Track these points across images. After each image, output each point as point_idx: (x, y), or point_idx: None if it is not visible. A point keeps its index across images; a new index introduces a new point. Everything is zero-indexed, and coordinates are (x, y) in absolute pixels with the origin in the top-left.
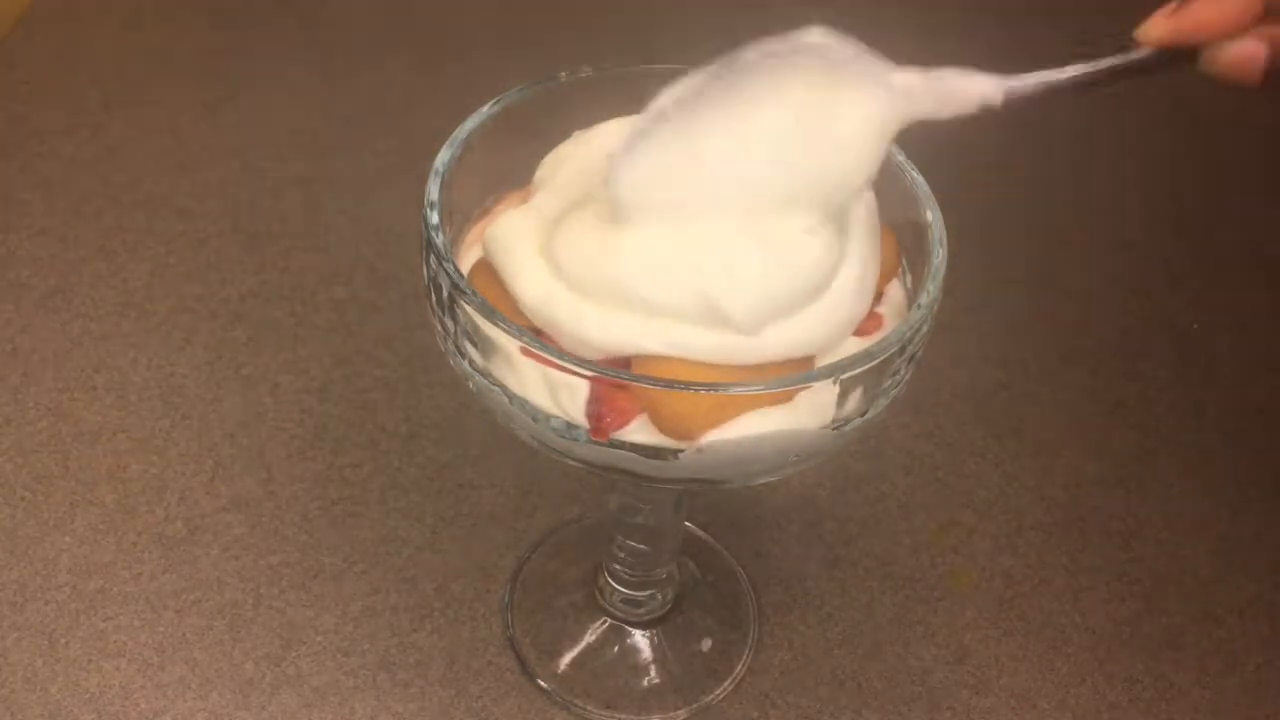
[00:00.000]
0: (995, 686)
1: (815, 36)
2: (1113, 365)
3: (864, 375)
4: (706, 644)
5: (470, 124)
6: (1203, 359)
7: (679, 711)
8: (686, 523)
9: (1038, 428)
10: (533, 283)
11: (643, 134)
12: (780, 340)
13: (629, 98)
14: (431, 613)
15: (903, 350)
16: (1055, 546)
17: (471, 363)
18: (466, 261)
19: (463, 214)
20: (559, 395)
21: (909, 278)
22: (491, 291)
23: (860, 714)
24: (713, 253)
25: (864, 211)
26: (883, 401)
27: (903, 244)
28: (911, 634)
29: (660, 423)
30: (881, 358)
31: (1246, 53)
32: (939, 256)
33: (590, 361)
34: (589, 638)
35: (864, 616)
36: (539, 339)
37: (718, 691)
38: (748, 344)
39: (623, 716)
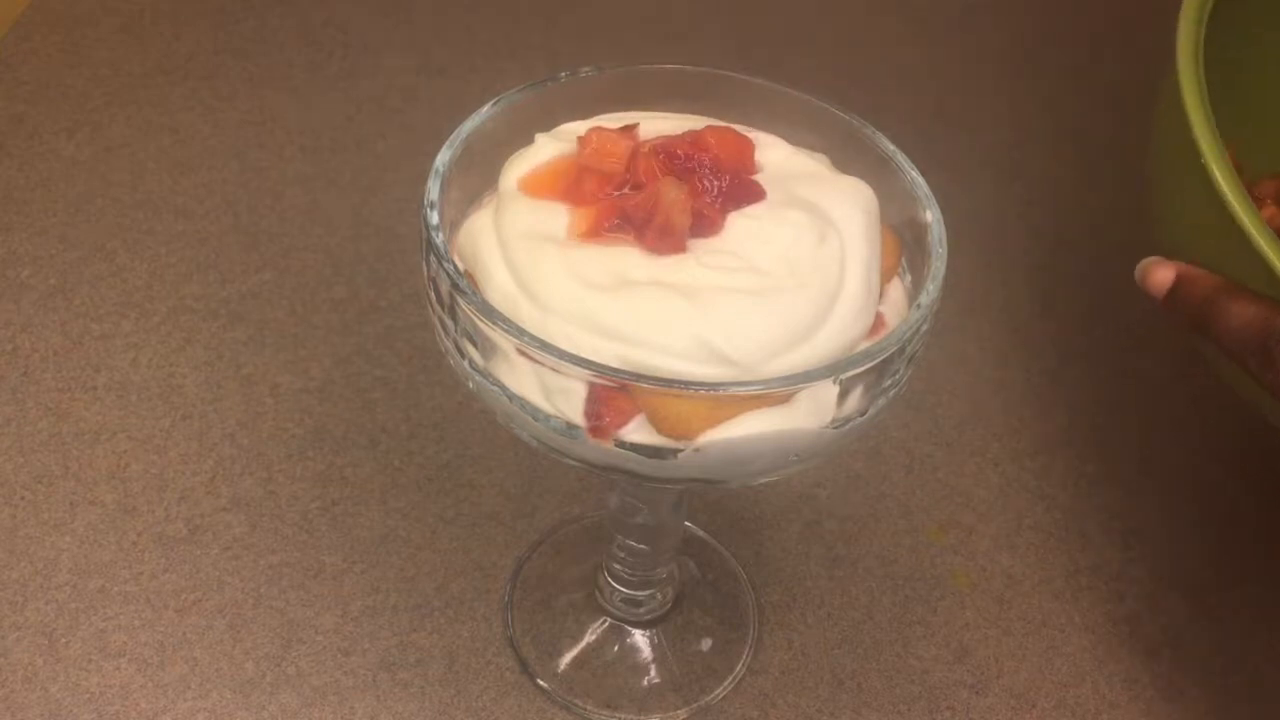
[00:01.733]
0: (994, 686)
1: None
2: (1112, 365)
3: (864, 375)
4: (706, 644)
5: (470, 124)
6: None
7: (679, 711)
8: (686, 523)
9: (1038, 428)
10: (500, 295)
11: None
12: (781, 368)
13: (628, 98)
14: (431, 612)
15: (903, 350)
16: (1055, 546)
17: (471, 362)
18: None
19: (462, 214)
20: (553, 396)
21: (909, 278)
22: None
23: (860, 714)
24: (709, 300)
25: (862, 221)
26: (882, 401)
27: (903, 244)
28: (911, 634)
29: (659, 423)
30: (881, 358)
31: (1158, 278)
32: (939, 256)
33: (588, 361)
34: (589, 637)
35: (864, 616)
36: (538, 340)
37: (718, 691)
38: (748, 375)
39: (623, 716)
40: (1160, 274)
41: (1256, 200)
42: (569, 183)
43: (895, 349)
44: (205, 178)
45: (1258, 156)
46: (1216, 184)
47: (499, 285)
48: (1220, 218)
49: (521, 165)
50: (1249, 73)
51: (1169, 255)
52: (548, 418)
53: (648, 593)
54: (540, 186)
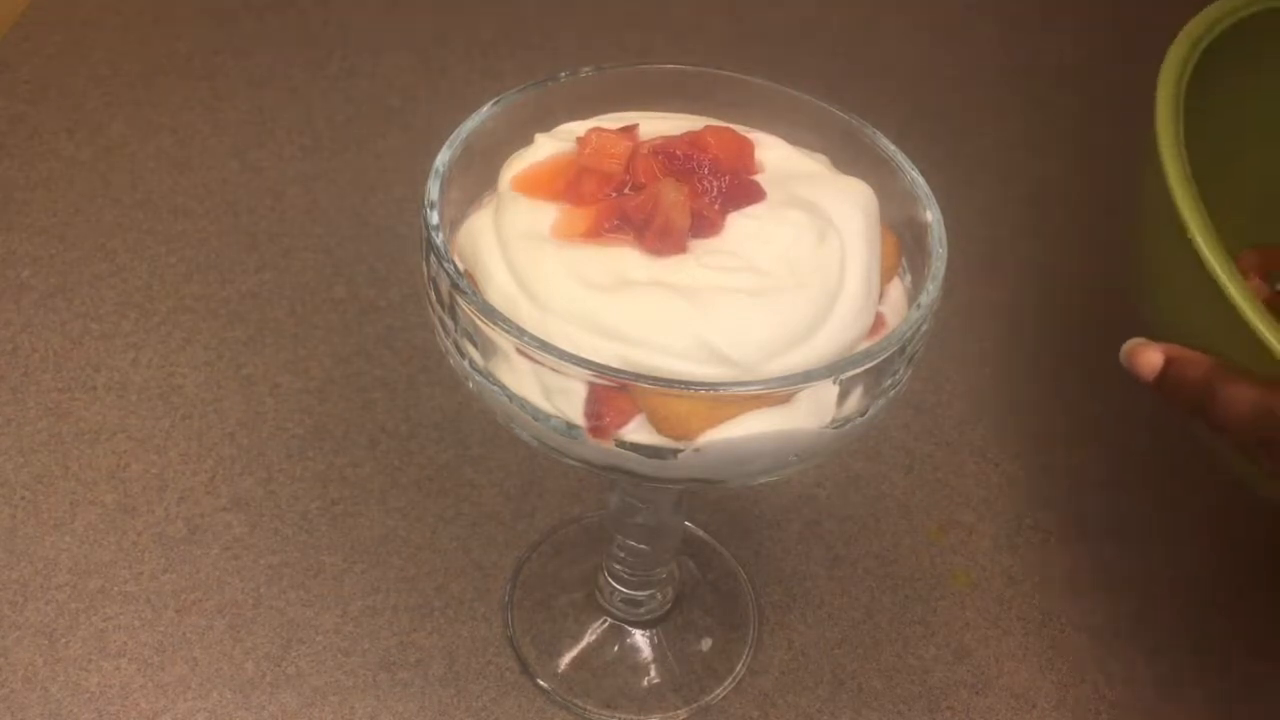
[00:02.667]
0: (995, 686)
1: None
2: (1112, 365)
3: (864, 375)
4: (706, 644)
5: (470, 124)
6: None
7: (679, 711)
8: (686, 522)
9: (1038, 427)
10: (500, 295)
11: None
12: (781, 368)
13: (628, 98)
14: (431, 612)
15: (903, 350)
16: (1055, 546)
17: (471, 362)
18: None
19: (462, 214)
20: (553, 396)
21: (909, 278)
22: None
23: (860, 714)
24: (709, 301)
25: (862, 221)
26: (882, 401)
27: (903, 244)
28: (911, 633)
29: (658, 423)
30: (881, 358)
31: (1147, 361)
32: (939, 257)
33: (588, 361)
34: (589, 637)
35: (864, 616)
36: (538, 340)
37: (718, 691)
38: (748, 375)
39: (623, 716)
40: (1149, 357)
41: (1240, 273)
42: (568, 183)
43: (895, 349)
44: (205, 178)
45: (1234, 220)
46: (1205, 261)
47: (499, 285)
48: (1209, 294)
49: (521, 165)
50: (1225, 135)
51: (1156, 332)
52: (548, 418)
53: (648, 593)
54: (540, 186)
